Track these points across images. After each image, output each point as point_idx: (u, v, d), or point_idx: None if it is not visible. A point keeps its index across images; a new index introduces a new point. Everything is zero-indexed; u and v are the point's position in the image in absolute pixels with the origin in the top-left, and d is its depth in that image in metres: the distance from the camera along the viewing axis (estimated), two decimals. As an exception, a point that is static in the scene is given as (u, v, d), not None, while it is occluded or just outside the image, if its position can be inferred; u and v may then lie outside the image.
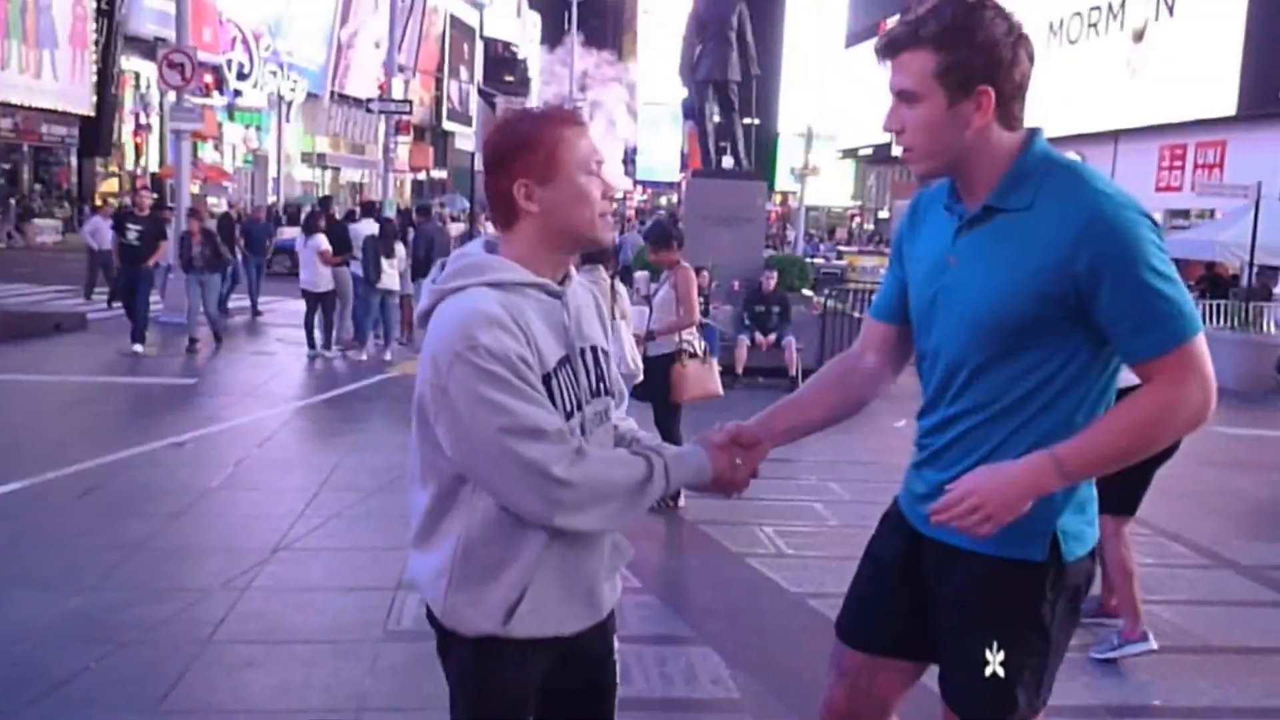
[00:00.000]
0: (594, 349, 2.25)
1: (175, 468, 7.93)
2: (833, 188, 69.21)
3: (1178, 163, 40.83)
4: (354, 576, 5.75)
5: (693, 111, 15.91)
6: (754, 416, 2.50)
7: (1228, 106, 36.05)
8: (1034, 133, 2.21)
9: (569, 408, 2.12)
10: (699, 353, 7.58)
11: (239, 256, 17.29)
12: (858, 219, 70.64)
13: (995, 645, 2.26)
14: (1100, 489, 5.20)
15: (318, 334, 13.99)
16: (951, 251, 2.26)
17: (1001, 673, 2.27)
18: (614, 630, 2.38)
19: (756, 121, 15.87)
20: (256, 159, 45.59)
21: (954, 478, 2.20)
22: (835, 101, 71.26)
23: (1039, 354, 2.17)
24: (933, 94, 2.14)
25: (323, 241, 13.83)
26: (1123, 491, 5.15)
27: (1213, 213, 31.63)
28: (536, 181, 2.09)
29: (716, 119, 15.45)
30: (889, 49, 2.20)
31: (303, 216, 16.23)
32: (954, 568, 2.32)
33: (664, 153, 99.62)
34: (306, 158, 50.60)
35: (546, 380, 2.08)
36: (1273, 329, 16.96)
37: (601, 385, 2.27)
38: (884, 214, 67.03)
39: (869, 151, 69.01)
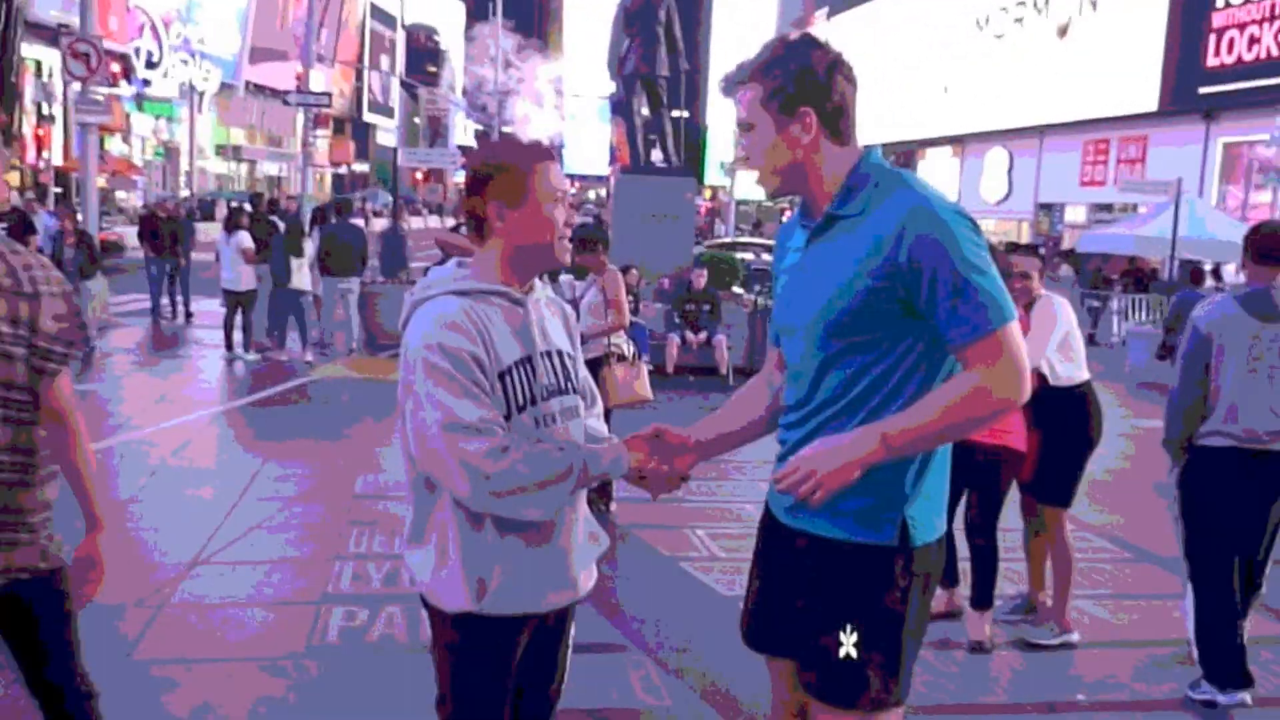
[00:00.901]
0: (559, 352, 2.59)
1: (86, 478, 7.76)
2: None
3: (1101, 158, 41.81)
4: (276, 590, 5.70)
5: (621, 106, 15.90)
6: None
7: (1149, 102, 37.03)
8: (868, 149, 2.51)
9: (521, 401, 2.46)
10: (628, 356, 7.57)
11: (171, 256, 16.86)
12: (787, 212, 71.09)
13: (848, 628, 2.45)
14: (1036, 483, 5.38)
15: (237, 335, 13.81)
16: (802, 260, 2.54)
17: (854, 654, 2.45)
18: (573, 615, 2.75)
19: (685, 115, 15.92)
20: (168, 151, 44.77)
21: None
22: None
23: (879, 346, 2.40)
24: (762, 120, 2.46)
25: (245, 239, 13.67)
26: (1058, 484, 5.36)
27: (1136, 206, 32.40)
28: (508, 204, 2.46)
29: (645, 113, 15.48)
30: (727, 89, 2.53)
31: (223, 212, 16.09)
32: (810, 553, 2.51)
33: (592, 146, 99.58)
34: (221, 150, 49.84)
35: (502, 376, 2.42)
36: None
37: (568, 384, 2.59)
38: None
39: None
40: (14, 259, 2.73)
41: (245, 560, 6.12)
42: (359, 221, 18.29)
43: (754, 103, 2.46)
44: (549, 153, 2.52)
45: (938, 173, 57.58)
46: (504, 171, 2.46)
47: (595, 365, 7.39)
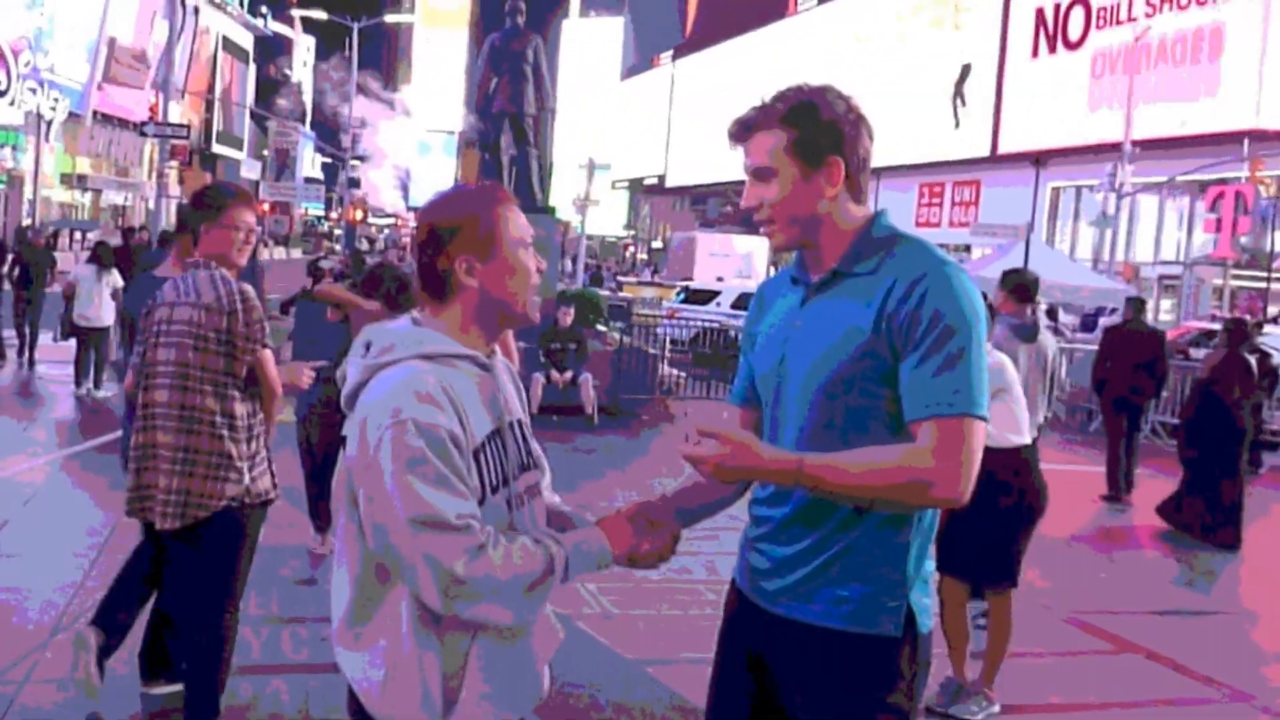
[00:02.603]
0: (519, 422, 2.28)
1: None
2: (607, 217, 69.92)
3: (936, 200, 43.16)
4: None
5: (487, 142, 15.52)
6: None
7: (983, 148, 38.48)
8: (880, 211, 2.32)
9: (494, 482, 2.12)
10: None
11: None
12: (631, 248, 71.50)
13: None
14: (978, 564, 5.02)
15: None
16: (798, 317, 2.31)
17: None
18: None
19: (512, 152, 15.67)
20: (11, 179, 42.32)
21: (800, 553, 2.24)
22: (610, 133, 72.09)
23: (880, 412, 2.19)
24: (786, 168, 2.25)
25: (118, 278, 12.79)
26: (1002, 562, 5.04)
27: (969, 248, 33.37)
28: (478, 258, 2.14)
29: (512, 151, 15.13)
30: (742, 132, 2.32)
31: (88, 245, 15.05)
32: (805, 647, 2.26)
33: (438, 180, 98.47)
34: (66, 179, 47.41)
35: (476, 455, 2.09)
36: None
37: (529, 457, 2.28)
38: (657, 244, 68.19)
39: (654, 181, 70.32)
40: (222, 287, 3.88)
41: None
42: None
43: (776, 149, 2.26)
44: (508, 195, 2.24)
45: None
46: (470, 222, 2.14)
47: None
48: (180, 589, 4.25)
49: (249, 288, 3.97)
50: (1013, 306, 6.47)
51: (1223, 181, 31.16)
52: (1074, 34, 37.23)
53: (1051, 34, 38.16)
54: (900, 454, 2.12)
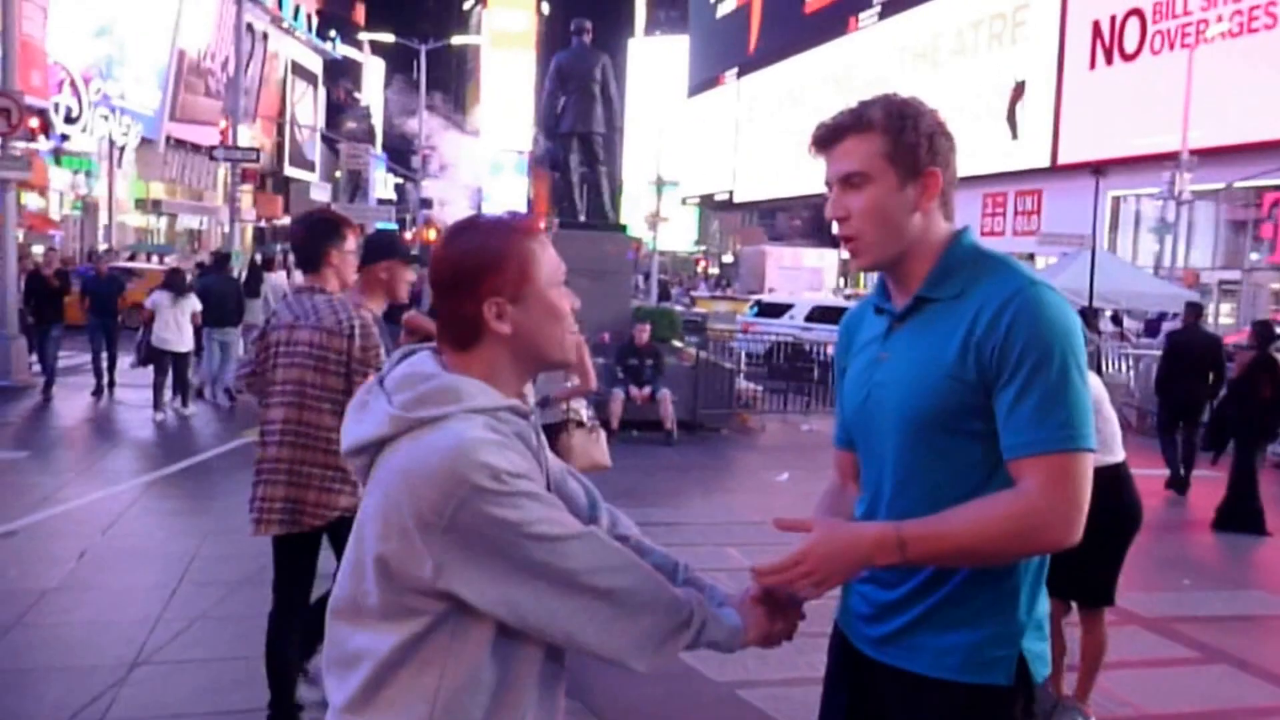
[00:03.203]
0: (561, 469, 2.07)
1: (1, 565, 6.88)
2: (677, 234, 69.98)
3: (999, 209, 42.74)
4: (229, 696, 4.97)
5: (556, 162, 15.46)
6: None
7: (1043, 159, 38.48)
8: (964, 229, 2.19)
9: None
10: (585, 422, 7.09)
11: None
12: (703, 263, 71.37)
13: None
14: (1074, 584, 4.86)
15: (166, 393, 12.97)
16: (883, 349, 2.17)
17: None
18: None
19: (583, 170, 15.58)
20: (86, 206, 43.22)
21: (903, 598, 2.10)
22: (678, 150, 72.19)
23: (977, 446, 2.03)
24: (883, 175, 2.08)
25: (196, 302, 13.26)
26: (1099, 582, 4.92)
27: (1032, 256, 33.24)
28: (509, 300, 1.86)
29: (582, 170, 15.04)
30: (831, 137, 2.15)
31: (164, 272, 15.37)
32: (912, 698, 2.13)
33: (510, 199, 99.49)
34: (140, 204, 48.34)
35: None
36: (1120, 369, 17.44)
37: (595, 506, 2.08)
38: (727, 258, 68.04)
39: (725, 197, 70.31)
40: (342, 312, 4.10)
41: (192, 659, 5.38)
42: (279, 275, 17.48)
43: (871, 155, 2.08)
44: (537, 227, 1.96)
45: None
46: (498, 261, 1.86)
47: (553, 432, 6.86)
48: (298, 590, 4.57)
49: (367, 314, 4.20)
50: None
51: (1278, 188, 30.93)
52: (1130, 46, 37.22)
53: (1108, 46, 38.24)
54: (1006, 504, 1.95)
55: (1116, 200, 38.99)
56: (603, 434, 7.30)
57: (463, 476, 1.69)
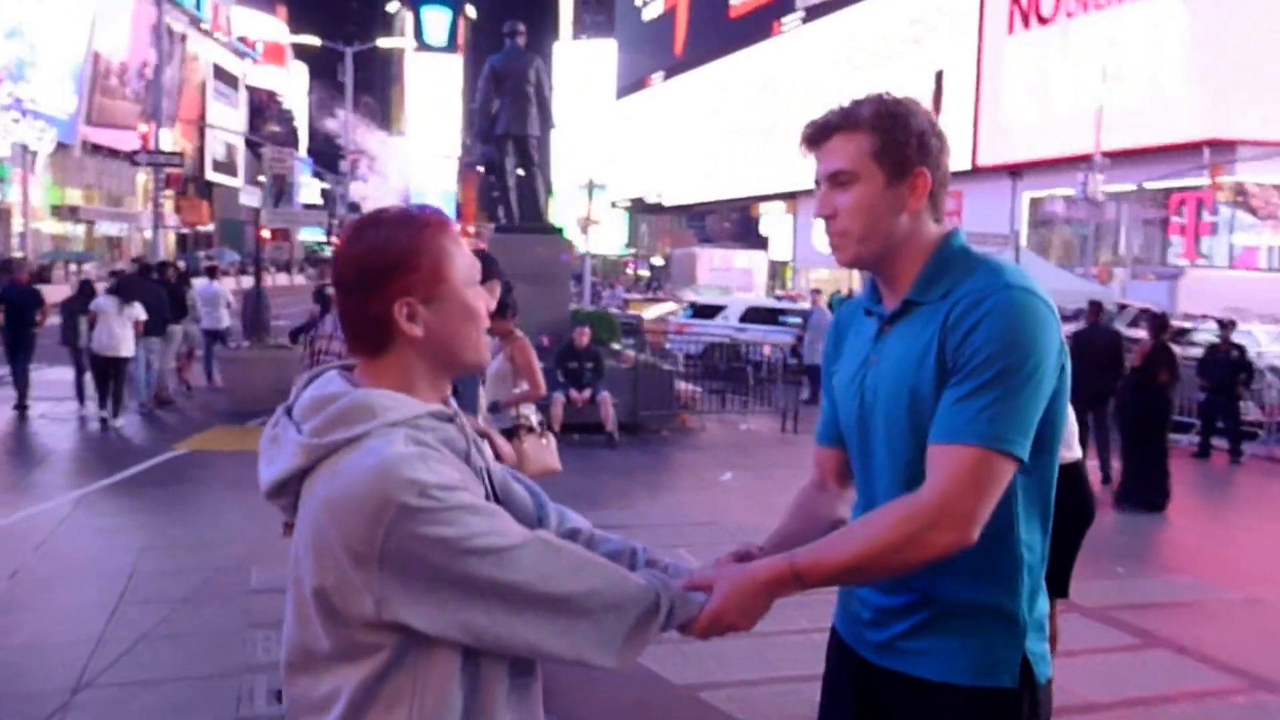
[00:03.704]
0: (487, 471, 1.86)
1: (-65, 584, 6.59)
2: (607, 237, 70.09)
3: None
4: (180, 716, 4.80)
5: (492, 165, 15.32)
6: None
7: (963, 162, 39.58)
8: (955, 230, 2.15)
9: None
10: (536, 427, 6.99)
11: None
12: (631, 266, 71.49)
13: None
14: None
15: (90, 404, 12.61)
16: (874, 351, 2.14)
17: None
18: None
19: (519, 173, 15.47)
20: (-1, 213, 42.09)
21: (905, 604, 2.06)
22: (606, 153, 72.23)
23: None
24: (871, 174, 2.06)
25: (140, 310, 13.16)
26: (1054, 574, 4.91)
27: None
28: (421, 300, 1.72)
29: (519, 173, 14.91)
30: (819, 135, 2.12)
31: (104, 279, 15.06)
32: (916, 703, 2.09)
33: (438, 203, 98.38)
34: (57, 211, 47.16)
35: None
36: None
37: (542, 507, 1.94)
38: (657, 260, 68.17)
39: (654, 200, 70.48)
40: None
41: (139, 680, 5.17)
42: (207, 283, 17.08)
43: (860, 153, 2.05)
44: (450, 223, 1.80)
45: (773, 227, 58.79)
46: (409, 259, 1.71)
47: (504, 437, 6.77)
48: None
49: None
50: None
51: (1185, 189, 32.11)
52: (1046, 10, 38.35)
53: (1025, 11, 39.48)
54: (894, 510, 1.91)
55: (1034, 201, 40.15)
56: (553, 438, 7.22)
57: (388, 497, 1.55)
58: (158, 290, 14.62)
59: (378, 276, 1.70)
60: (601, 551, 1.94)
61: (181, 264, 19.02)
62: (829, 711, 2.32)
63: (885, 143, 2.04)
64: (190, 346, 16.05)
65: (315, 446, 1.64)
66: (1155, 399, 10.76)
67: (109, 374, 13.00)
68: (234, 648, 5.60)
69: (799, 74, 52.11)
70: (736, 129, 58.38)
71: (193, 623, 6.04)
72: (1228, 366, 13.99)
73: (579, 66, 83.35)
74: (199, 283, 16.85)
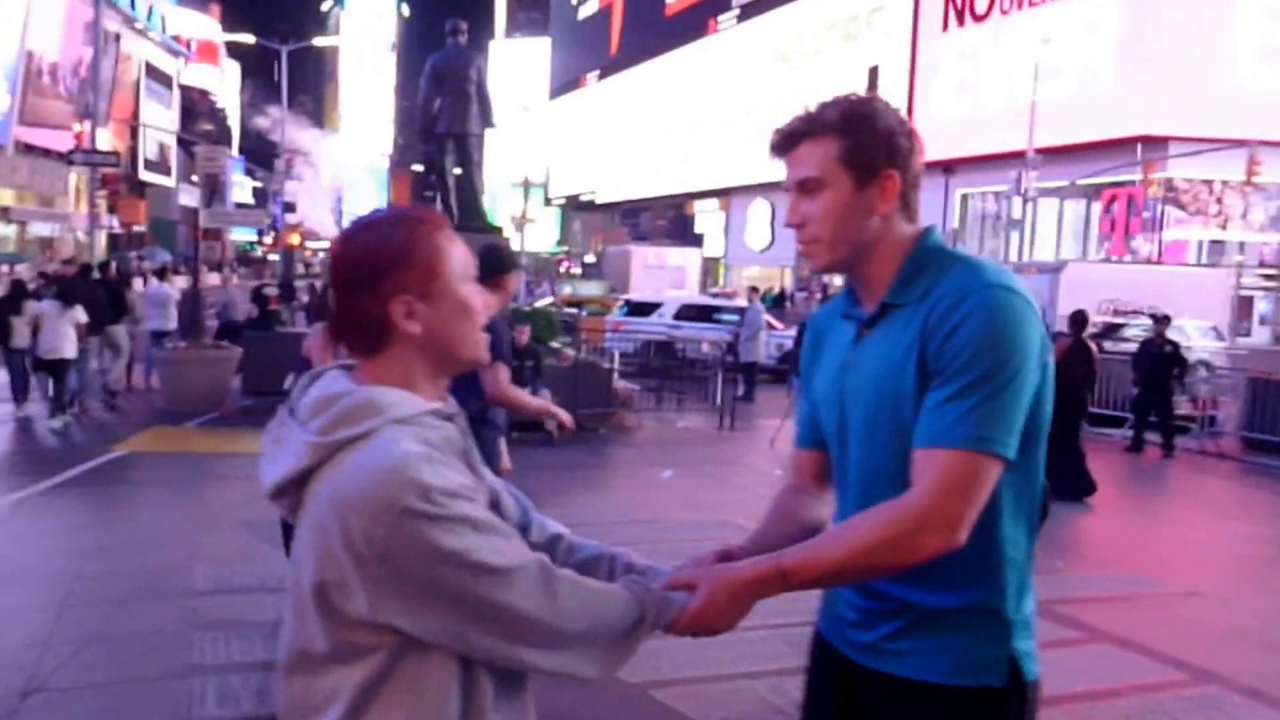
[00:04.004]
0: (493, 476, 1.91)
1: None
2: (540, 234, 69.85)
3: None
4: (129, 718, 4.76)
5: (432, 164, 15.24)
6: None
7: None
8: (928, 229, 2.11)
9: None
10: (486, 427, 7.00)
11: None
12: (565, 264, 71.34)
13: None
14: None
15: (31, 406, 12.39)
16: (852, 355, 2.11)
17: None
18: None
19: (458, 172, 15.42)
20: (-72, 213, 40.98)
21: (889, 608, 2.04)
22: (540, 151, 71.96)
23: None
24: (838, 180, 2.02)
25: (82, 313, 13.14)
26: None
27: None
28: (418, 297, 1.72)
29: (458, 172, 14.85)
30: (787, 142, 2.09)
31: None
32: (903, 704, 2.06)
33: (371, 202, 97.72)
34: (-12, 211, 45.97)
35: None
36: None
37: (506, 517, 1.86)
38: (590, 258, 68.06)
39: (589, 198, 70.34)
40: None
41: (88, 683, 5.12)
42: (154, 281, 16.91)
43: (827, 159, 2.02)
44: (443, 219, 1.81)
45: (707, 224, 58.98)
46: (405, 256, 1.72)
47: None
48: None
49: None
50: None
51: (1117, 185, 32.35)
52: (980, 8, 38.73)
53: (960, 8, 39.77)
54: (882, 512, 1.88)
55: (965, 198, 40.51)
56: (502, 438, 7.23)
57: (392, 499, 1.55)
58: (98, 291, 14.54)
59: (373, 275, 1.71)
60: (579, 557, 1.96)
61: (112, 265, 18.78)
62: (812, 713, 2.30)
63: (852, 146, 2.01)
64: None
65: (322, 445, 1.64)
66: (1069, 398, 10.90)
67: (52, 376, 13.03)
68: (180, 649, 5.56)
69: (734, 72, 52.28)
70: (672, 126, 58.46)
71: (138, 625, 5.98)
72: (1161, 361, 14.13)
73: (513, 65, 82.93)
74: (144, 284, 16.75)
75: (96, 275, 15.59)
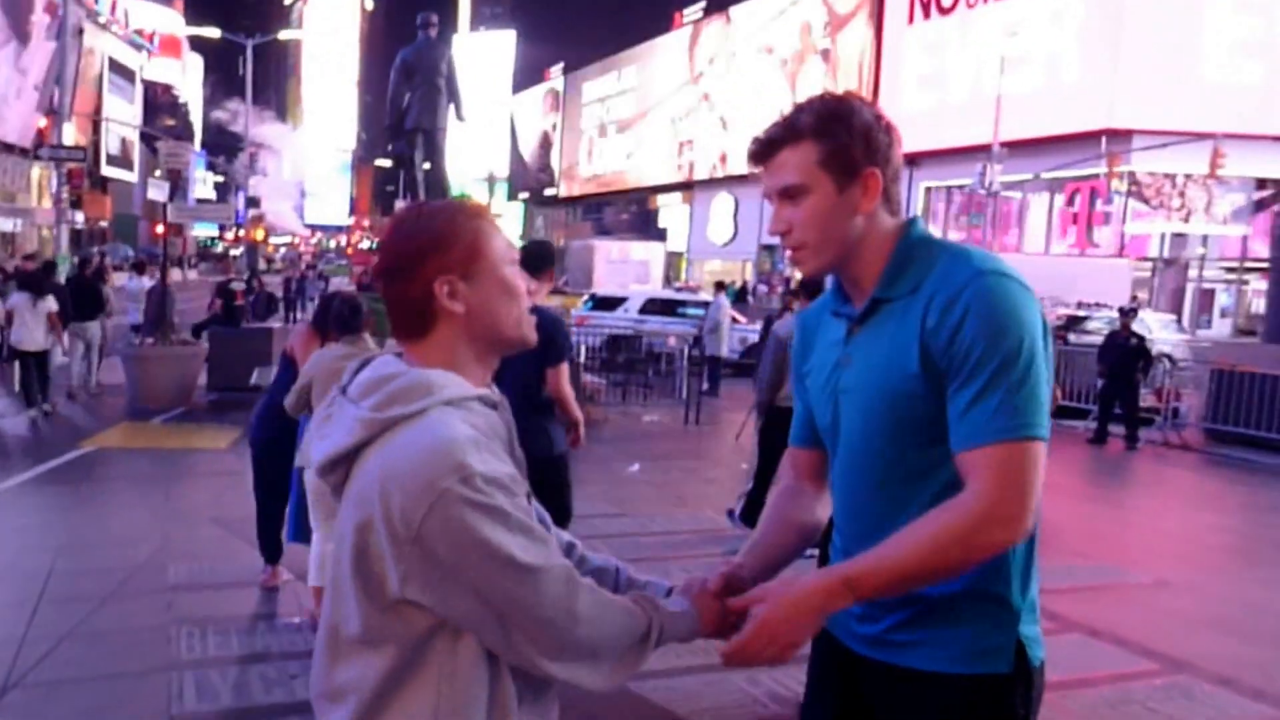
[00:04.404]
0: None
1: None
2: (505, 229, 69.59)
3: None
4: (116, 714, 4.72)
5: (402, 158, 15.17)
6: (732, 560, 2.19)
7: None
8: (912, 220, 2.11)
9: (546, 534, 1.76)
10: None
11: None
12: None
13: None
14: None
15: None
16: (845, 353, 2.10)
17: None
18: None
19: (426, 166, 15.34)
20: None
21: (896, 600, 2.02)
22: (503, 146, 71.70)
23: (946, 446, 1.93)
24: (820, 183, 2.01)
25: (54, 303, 13.25)
26: None
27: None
28: (460, 277, 1.76)
29: (427, 167, 14.78)
30: (765, 150, 2.07)
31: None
32: (911, 694, 2.06)
33: (332, 198, 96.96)
34: (-54, 206, 45.29)
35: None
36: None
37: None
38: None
39: (551, 192, 70.20)
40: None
41: (66, 679, 5.04)
42: (116, 276, 16.92)
43: (807, 164, 2.00)
44: (485, 209, 1.89)
45: (670, 219, 59.00)
46: (447, 240, 1.77)
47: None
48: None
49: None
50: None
51: (1081, 178, 32.49)
52: (951, 40, 38.87)
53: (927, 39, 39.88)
54: (947, 514, 1.87)
55: (929, 191, 40.74)
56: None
57: (435, 480, 1.58)
58: (62, 287, 14.61)
59: (417, 258, 1.76)
60: (586, 570, 1.98)
61: (93, 261, 18.81)
62: (816, 707, 2.29)
63: (831, 149, 1.99)
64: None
65: (374, 421, 1.68)
66: None
67: (30, 367, 13.17)
68: (159, 645, 5.50)
69: (699, 66, 52.31)
70: (637, 120, 58.41)
71: (114, 621, 5.91)
72: (1126, 353, 14.23)
73: (477, 59, 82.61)
74: (122, 278, 16.76)
75: (74, 273, 15.76)
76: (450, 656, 1.68)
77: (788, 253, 2.10)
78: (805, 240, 2.05)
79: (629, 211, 64.58)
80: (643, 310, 23.95)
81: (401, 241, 1.79)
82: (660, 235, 56.13)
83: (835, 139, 2.00)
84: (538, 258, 5.22)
